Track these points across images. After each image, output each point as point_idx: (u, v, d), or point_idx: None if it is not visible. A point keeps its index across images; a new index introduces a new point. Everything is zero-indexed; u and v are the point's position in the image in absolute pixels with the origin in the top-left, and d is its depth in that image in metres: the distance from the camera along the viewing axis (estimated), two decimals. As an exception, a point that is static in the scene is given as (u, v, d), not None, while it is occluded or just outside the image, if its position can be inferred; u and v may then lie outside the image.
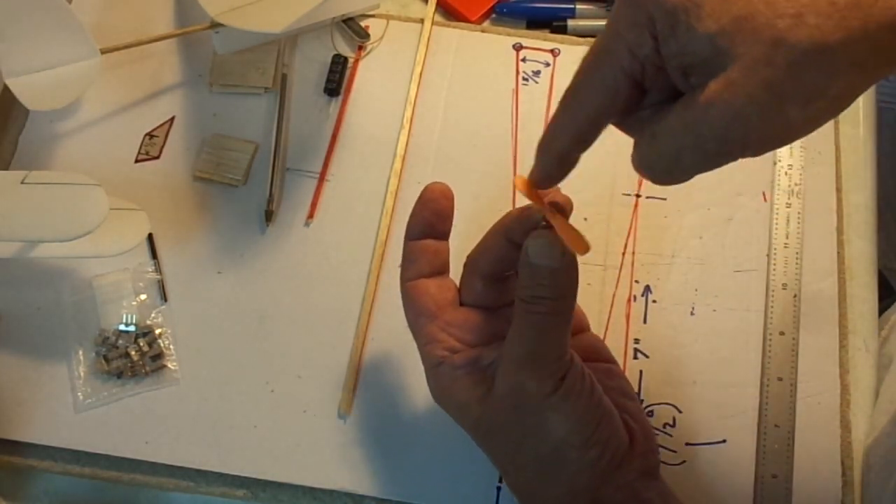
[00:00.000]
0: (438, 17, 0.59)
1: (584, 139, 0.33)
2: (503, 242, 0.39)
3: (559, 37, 0.58)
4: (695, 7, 0.28)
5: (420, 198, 0.41)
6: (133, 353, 0.48)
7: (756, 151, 0.29)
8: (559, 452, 0.37)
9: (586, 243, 0.35)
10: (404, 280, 0.42)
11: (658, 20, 0.29)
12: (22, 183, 0.46)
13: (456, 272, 0.42)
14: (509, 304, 0.38)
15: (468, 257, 0.41)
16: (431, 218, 0.41)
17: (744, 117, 0.28)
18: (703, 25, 0.28)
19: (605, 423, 0.38)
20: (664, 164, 0.31)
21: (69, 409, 0.48)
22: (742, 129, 0.28)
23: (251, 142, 0.55)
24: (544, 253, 0.36)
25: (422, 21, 0.58)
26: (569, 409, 0.37)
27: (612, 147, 0.35)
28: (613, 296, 0.51)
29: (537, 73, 0.57)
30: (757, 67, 0.27)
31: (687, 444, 0.47)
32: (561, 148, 0.34)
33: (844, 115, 0.56)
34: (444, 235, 0.42)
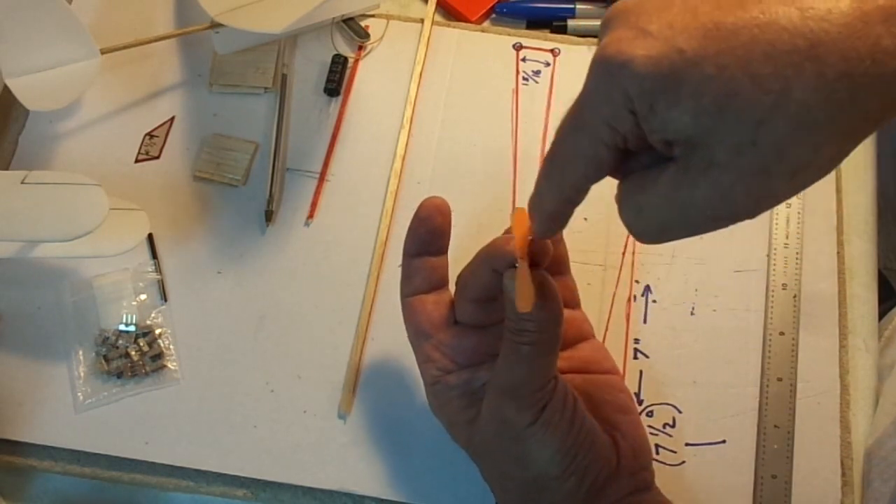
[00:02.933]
0: (438, 17, 0.59)
1: (572, 201, 0.32)
2: (487, 271, 0.38)
3: (559, 37, 0.58)
4: (673, 86, 0.26)
5: (416, 214, 0.41)
6: (133, 353, 0.48)
7: (744, 220, 0.28)
8: (540, 481, 0.38)
9: (530, 303, 0.35)
10: (403, 296, 0.42)
11: (635, 98, 0.27)
12: (22, 183, 0.46)
13: (453, 279, 0.42)
14: (502, 321, 0.38)
15: (458, 276, 0.41)
16: (427, 236, 0.41)
17: (731, 197, 0.27)
18: (683, 106, 0.26)
19: (584, 451, 0.38)
20: (652, 234, 0.30)
21: (69, 409, 0.48)
22: (730, 206, 0.27)
23: (251, 142, 0.55)
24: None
25: (422, 21, 0.58)
26: (547, 440, 0.37)
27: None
28: (613, 296, 0.51)
29: (537, 72, 0.57)
30: (742, 148, 0.26)
31: (687, 444, 0.47)
32: (551, 210, 0.33)
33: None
34: (440, 251, 0.42)
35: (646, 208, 0.29)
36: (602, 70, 0.28)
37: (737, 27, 0.26)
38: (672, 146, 0.28)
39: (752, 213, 0.28)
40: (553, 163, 0.32)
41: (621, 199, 0.31)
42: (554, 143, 0.31)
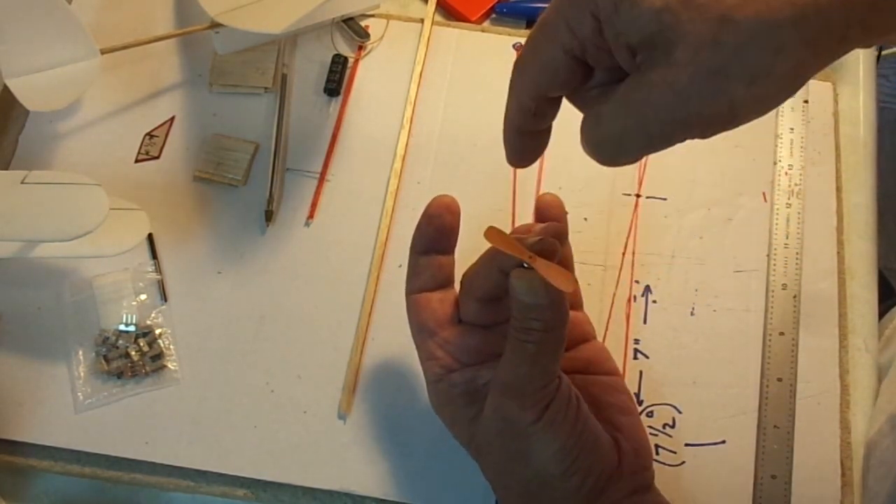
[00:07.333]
0: (438, 17, 0.59)
1: (535, 113, 0.32)
2: (494, 271, 0.38)
3: (559, 37, 0.58)
4: None
5: (425, 212, 0.41)
6: (133, 353, 0.48)
7: (701, 133, 0.28)
8: (542, 479, 0.38)
9: (571, 281, 0.35)
10: (408, 292, 0.42)
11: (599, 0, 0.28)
12: (22, 183, 0.46)
13: (458, 278, 0.42)
14: (506, 321, 0.38)
15: (463, 276, 0.41)
16: (435, 234, 0.41)
17: (686, 98, 0.27)
18: (647, 2, 0.27)
19: (587, 450, 0.38)
20: (609, 147, 0.30)
21: (69, 409, 0.48)
22: (684, 110, 0.27)
23: (251, 142, 0.55)
24: (528, 291, 0.36)
25: (422, 21, 0.58)
26: (550, 438, 0.37)
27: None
28: (613, 296, 0.51)
29: (537, 73, 0.57)
30: (702, 46, 0.26)
31: (687, 444, 0.47)
32: (516, 124, 0.33)
33: (844, 115, 0.56)
34: (448, 250, 0.42)
35: (604, 116, 0.30)
36: None
37: None
38: (634, 53, 0.28)
39: (706, 124, 0.28)
40: (515, 73, 0.32)
41: (584, 118, 0.31)
42: (518, 57, 0.32)
